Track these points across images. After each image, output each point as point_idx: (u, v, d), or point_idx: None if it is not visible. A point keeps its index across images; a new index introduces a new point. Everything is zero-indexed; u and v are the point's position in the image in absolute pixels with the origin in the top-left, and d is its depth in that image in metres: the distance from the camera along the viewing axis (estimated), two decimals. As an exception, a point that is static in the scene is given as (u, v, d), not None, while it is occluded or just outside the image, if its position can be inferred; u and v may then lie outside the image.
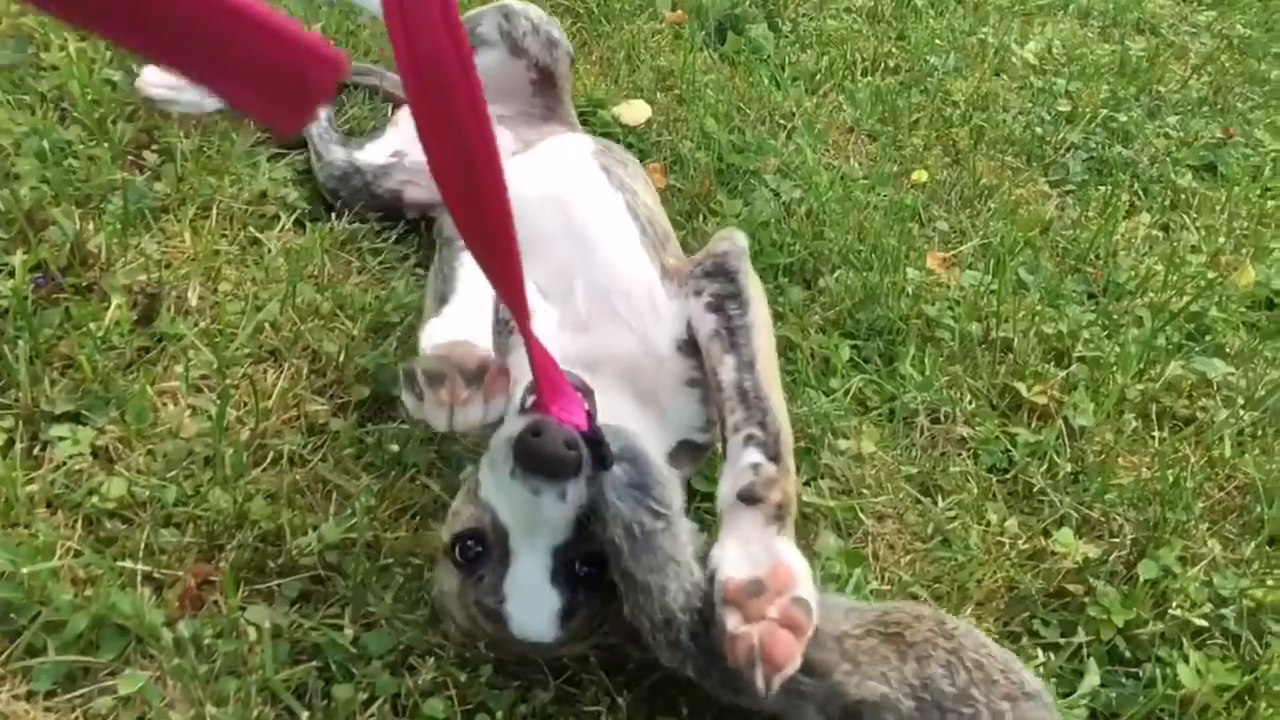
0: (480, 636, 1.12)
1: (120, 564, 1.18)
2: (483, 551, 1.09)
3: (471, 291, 1.28)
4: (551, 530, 1.07)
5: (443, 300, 1.29)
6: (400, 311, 1.53)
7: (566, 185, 1.45)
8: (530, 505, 1.06)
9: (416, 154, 1.74)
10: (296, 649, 1.15)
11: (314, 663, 1.13)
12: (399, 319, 1.53)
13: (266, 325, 1.48)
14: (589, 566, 1.09)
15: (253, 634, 1.13)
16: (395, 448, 1.33)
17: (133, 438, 1.30)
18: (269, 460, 1.33)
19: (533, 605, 1.07)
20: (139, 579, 1.18)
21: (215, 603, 1.18)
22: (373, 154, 1.75)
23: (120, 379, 1.36)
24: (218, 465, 1.28)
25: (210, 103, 1.77)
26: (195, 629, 1.12)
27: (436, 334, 1.20)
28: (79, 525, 1.22)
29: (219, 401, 1.32)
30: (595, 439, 1.06)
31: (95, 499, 1.23)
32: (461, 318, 1.24)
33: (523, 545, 1.07)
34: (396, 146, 1.76)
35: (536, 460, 1.04)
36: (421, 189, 1.69)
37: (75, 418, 1.31)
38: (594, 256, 1.33)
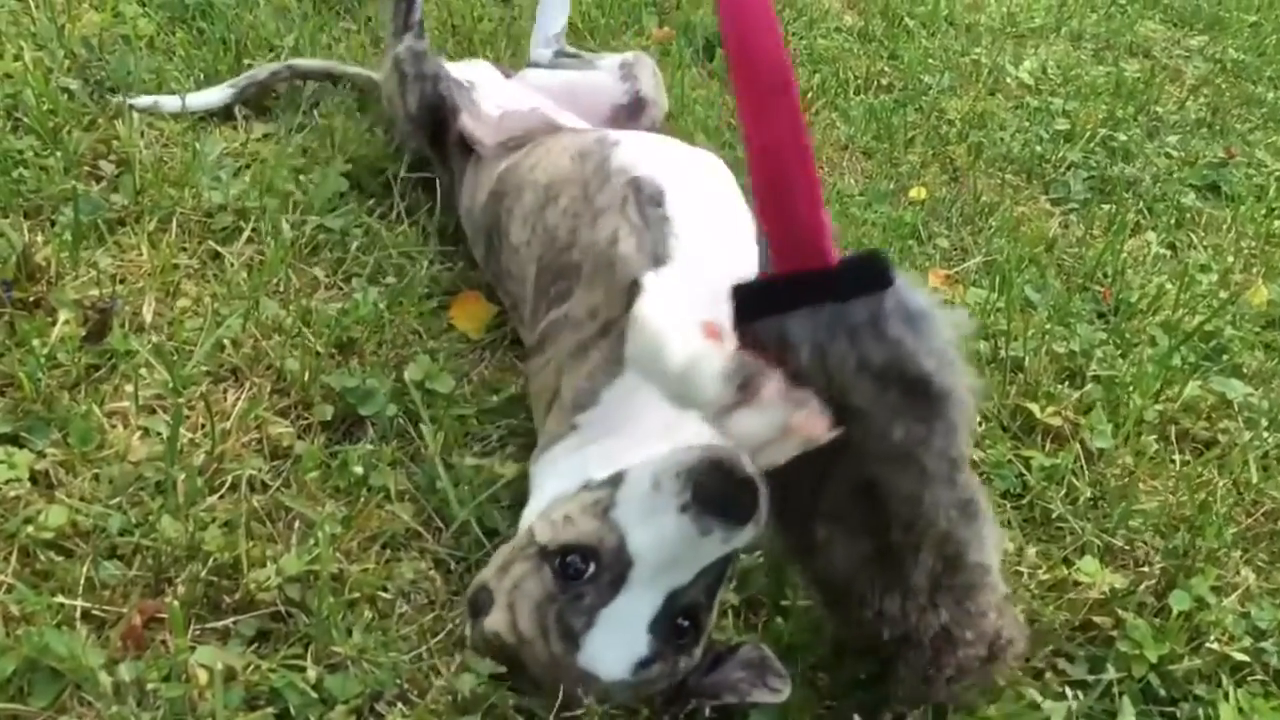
0: (524, 646, 1.03)
1: (57, 600, 1.06)
2: (592, 573, 1.01)
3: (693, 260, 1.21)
4: (684, 571, 1.00)
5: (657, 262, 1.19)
6: (364, 327, 1.43)
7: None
8: (690, 544, 0.99)
9: (487, 93, 1.75)
10: (252, 693, 1.03)
11: (271, 708, 1.01)
12: (363, 334, 1.42)
13: (226, 342, 1.37)
14: (688, 620, 1.02)
15: (203, 677, 1.01)
16: (360, 470, 1.22)
17: (76, 461, 1.19)
18: (226, 486, 1.21)
19: (618, 643, 1.00)
20: (78, 616, 1.06)
21: (163, 643, 1.06)
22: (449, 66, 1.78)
23: (65, 398, 1.25)
24: (169, 491, 1.17)
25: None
26: (138, 671, 1.00)
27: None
28: (13, 557, 1.10)
29: (172, 422, 1.21)
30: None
31: (31, 528, 1.11)
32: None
33: (643, 580, 1.00)
34: (471, 78, 1.79)
35: (719, 500, 0.97)
36: (477, 126, 1.67)
37: (13, 439, 1.20)
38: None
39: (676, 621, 1.02)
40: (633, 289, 1.08)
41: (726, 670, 1.09)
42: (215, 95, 1.85)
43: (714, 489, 0.97)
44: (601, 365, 1.19)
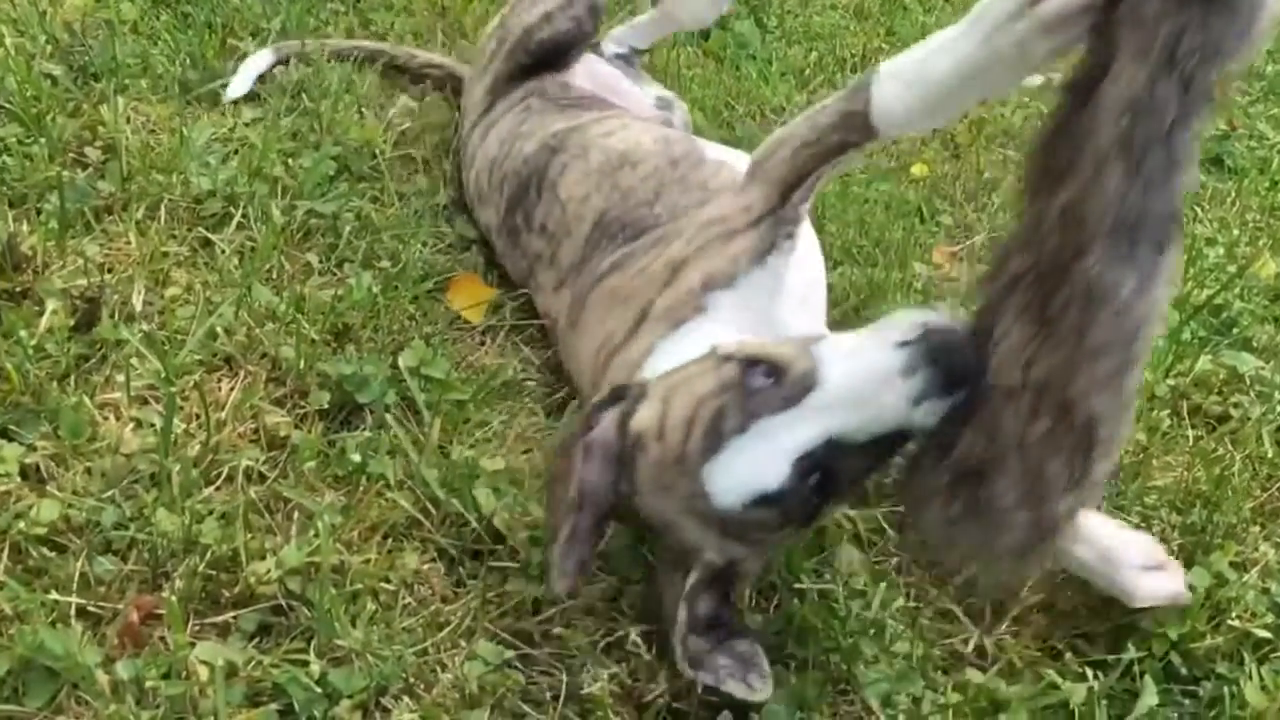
0: (658, 442, 1.03)
1: (51, 597, 1.03)
2: (772, 384, 0.99)
3: None
4: (861, 417, 0.97)
5: None
6: (359, 313, 1.39)
7: None
8: (883, 388, 0.96)
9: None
10: (254, 690, 1.00)
11: (274, 704, 0.98)
12: (358, 320, 1.39)
13: (219, 330, 1.33)
14: (824, 480, 0.99)
15: (203, 674, 0.98)
16: (358, 458, 1.19)
17: (67, 454, 1.16)
18: (222, 477, 1.18)
19: (756, 460, 0.98)
20: (73, 613, 1.03)
21: (161, 639, 1.03)
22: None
23: (55, 390, 1.21)
24: (163, 484, 1.13)
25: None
26: (136, 670, 0.97)
27: None
28: (4, 554, 1.06)
29: (165, 413, 1.17)
30: None
31: (23, 524, 1.07)
32: None
33: (817, 408, 0.97)
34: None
35: (947, 366, 0.95)
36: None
37: (2, 433, 1.16)
38: None
39: (811, 471, 0.98)
40: None
41: (716, 653, 1.07)
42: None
43: (938, 347, 0.95)
44: (746, 251, 1.20)
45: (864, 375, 0.97)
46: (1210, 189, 2.18)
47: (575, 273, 1.39)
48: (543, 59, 1.74)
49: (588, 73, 1.80)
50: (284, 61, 1.92)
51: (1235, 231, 2.03)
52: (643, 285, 1.26)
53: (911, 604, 1.23)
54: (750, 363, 1.02)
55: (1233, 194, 2.17)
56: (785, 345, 1.04)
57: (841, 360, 0.99)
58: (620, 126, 1.54)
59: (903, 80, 1.07)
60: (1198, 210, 2.09)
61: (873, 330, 1.01)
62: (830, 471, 1.00)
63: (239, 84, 1.84)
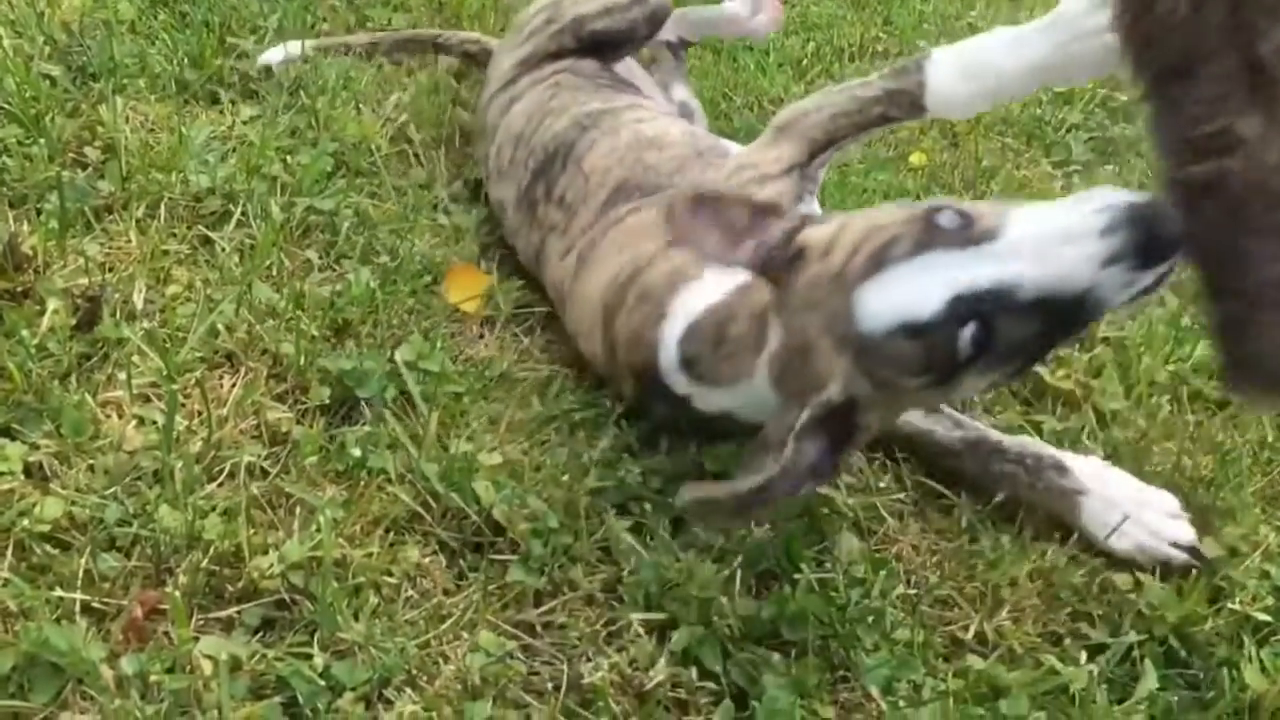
0: (823, 260, 1.04)
1: (55, 594, 1.03)
2: (953, 228, 0.98)
3: None
4: (1034, 269, 0.95)
5: None
6: (358, 308, 1.40)
7: None
8: (1076, 249, 0.93)
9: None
10: (258, 683, 1.01)
11: (278, 698, 0.99)
12: (357, 316, 1.40)
13: (220, 328, 1.34)
14: (979, 335, 0.97)
15: (207, 668, 0.99)
16: (358, 453, 1.19)
17: (70, 453, 1.16)
18: (224, 473, 1.19)
19: (915, 289, 0.97)
20: (77, 610, 1.04)
21: (165, 634, 1.04)
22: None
23: (57, 389, 1.22)
24: (166, 480, 1.14)
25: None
26: (140, 665, 0.97)
27: None
28: (9, 552, 1.07)
29: (167, 410, 1.18)
30: None
31: (27, 521, 1.08)
32: None
33: (990, 257, 0.96)
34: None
35: (1149, 234, 0.92)
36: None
37: (4, 432, 1.17)
38: None
39: (974, 330, 0.97)
40: None
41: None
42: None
43: (1143, 215, 0.92)
44: (783, 195, 1.26)
45: (1054, 228, 0.95)
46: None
47: (584, 234, 1.40)
48: (589, 49, 1.74)
49: (624, 64, 1.83)
50: (323, 51, 1.96)
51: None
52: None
53: (911, 591, 1.23)
54: (941, 208, 1.01)
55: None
56: (980, 204, 1.04)
57: (1033, 216, 0.98)
58: (651, 116, 1.57)
59: (963, 71, 1.08)
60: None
61: (1070, 199, 1.00)
62: (988, 327, 0.97)
63: (273, 54, 1.90)
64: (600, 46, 1.74)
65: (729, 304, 1.18)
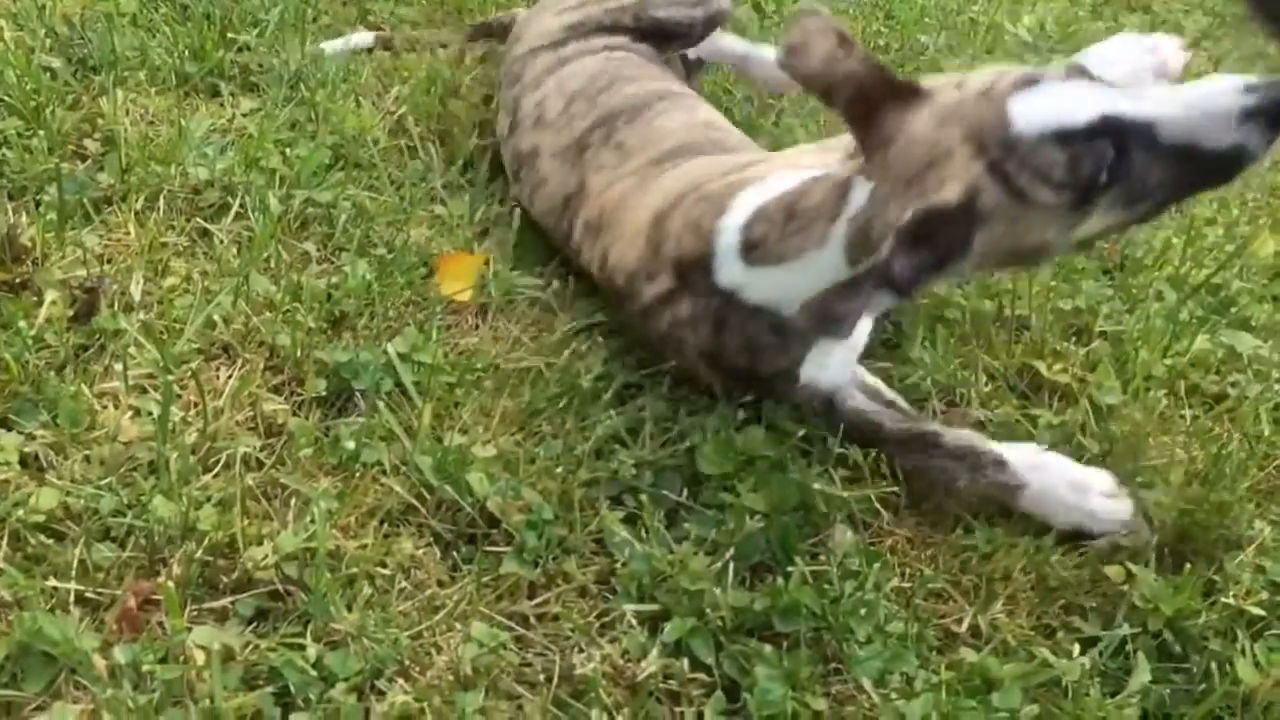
0: (950, 95, 1.12)
1: (49, 584, 1.04)
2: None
3: None
4: (1178, 111, 1.04)
5: None
6: (355, 300, 1.40)
7: None
8: (1220, 101, 1.03)
9: None
10: (251, 673, 1.02)
11: (270, 688, 1.00)
12: (354, 308, 1.40)
13: (217, 319, 1.34)
14: (1118, 161, 1.05)
15: (200, 658, 0.99)
16: (352, 445, 1.20)
17: (66, 443, 1.17)
18: (219, 464, 1.19)
19: (1072, 100, 1.05)
20: (71, 600, 1.04)
21: (159, 624, 1.04)
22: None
23: (54, 380, 1.23)
24: (161, 471, 1.15)
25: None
26: (133, 654, 0.98)
27: None
28: (3, 542, 1.08)
29: (162, 401, 1.19)
30: None
31: (22, 512, 1.09)
32: None
33: (1141, 98, 1.05)
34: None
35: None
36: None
37: (1, 422, 1.18)
38: None
39: (1114, 155, 1.05)
40: None
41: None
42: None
43: None
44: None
45: (1201, 87, 1.05)
46: (1211, 169, 2.18)
47: (636, 173, 1.45)
48: (647, 34, 1.77)
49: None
50: (387, 46, 2.03)
51: (1235, 212, 2.02)
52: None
53: (906, 583, 1.23)
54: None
55: (1234, 173, 2.16)
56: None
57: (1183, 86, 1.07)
58: (712, 109, 1.67)
59: None
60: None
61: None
62: (1127, 156, 1.05)
63: (337, 45, 1.99)
64: (656, 35, 1.78)
65: (801, 187, 1.24)
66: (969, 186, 1.07)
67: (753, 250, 1.25)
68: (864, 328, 1.19)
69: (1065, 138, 1.04)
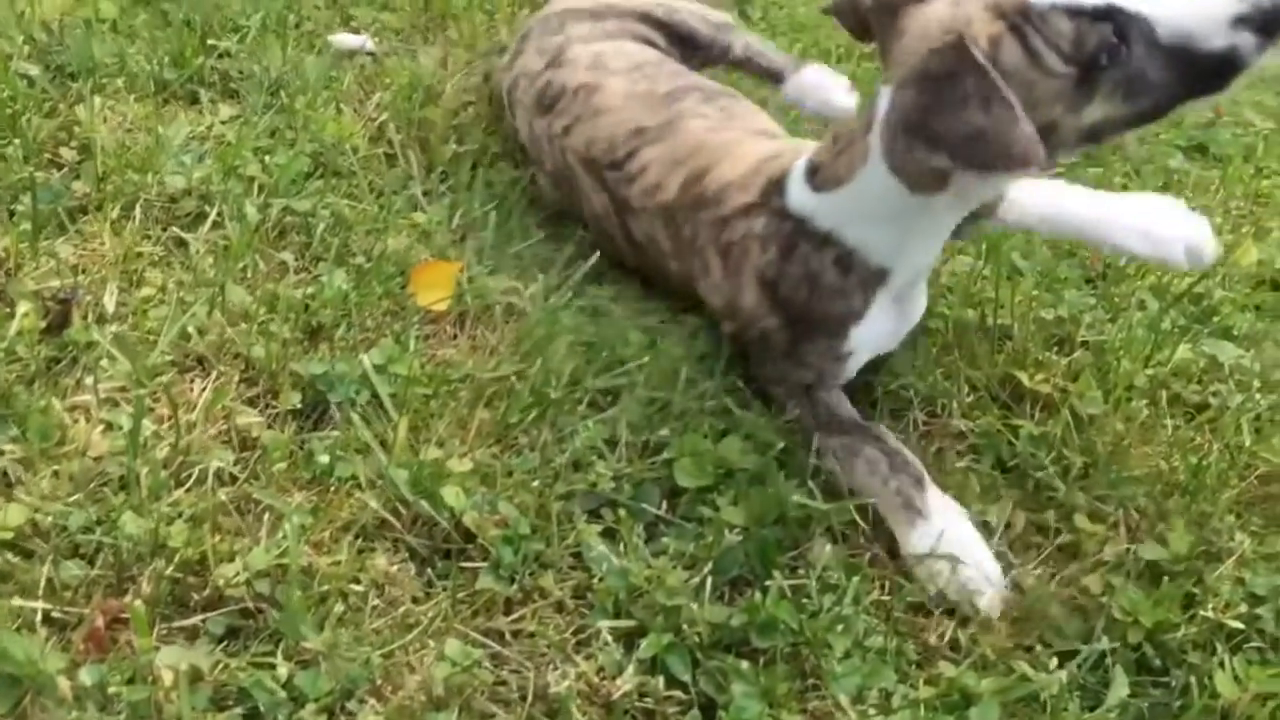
0: None
1: (16, 603, 1.03)
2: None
3: None
4: (1173, 7, 1.12)
5: None
6: (331, 310, 1.39)
7: None
8: (1214, 3, 1.11)
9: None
10: (220, 694, 1.00)
11: (239, 709, 0.99)
12: (331, 318, 1.39)
13: (192, 331, 1.33)
14: (1115, 47, 1.12)
15: (168, 678, 0.98)
16: (326, 459, 1.19)
17: (35, 458, 1.16)
18: (192, 480, 1.18)
19: None
20: (38, 619, 1.03)
21: (127, 644, 1.03)
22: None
23: (23, 393, 1.21)
24: (132, 486, 1.13)
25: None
26: (100, 675, 0.97)
27: None
28: (-30, 560, 1.07)
29: (134, 415, 1.17)
30: None
31: (-11, 529, 1.07)
32: None
33: None
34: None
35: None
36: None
37: (-31, 438, 1.16)
38: None
39: (1114, 43, 1.12)
40: None
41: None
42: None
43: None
44: None
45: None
46: (1194, 176, 2.17)
47: (748, 133, 1.57)
48: (670, 35, 1.87)
49: None
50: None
51: (1218, 219, 2.02)
52: None
53: (885, 597, 1.22)
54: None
55: (1217, 182, 2.16)
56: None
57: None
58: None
59: None
60: (1181, 200, 2.08)
61: None
62: (1128, 45, 1.12)
63: (348, 39, 2.06)
64: (681, 41, 1.87)
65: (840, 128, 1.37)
66: (992, 37, 1.14)
67: (815, 174, 1.34)
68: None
69: (1074, 13, 1.12)
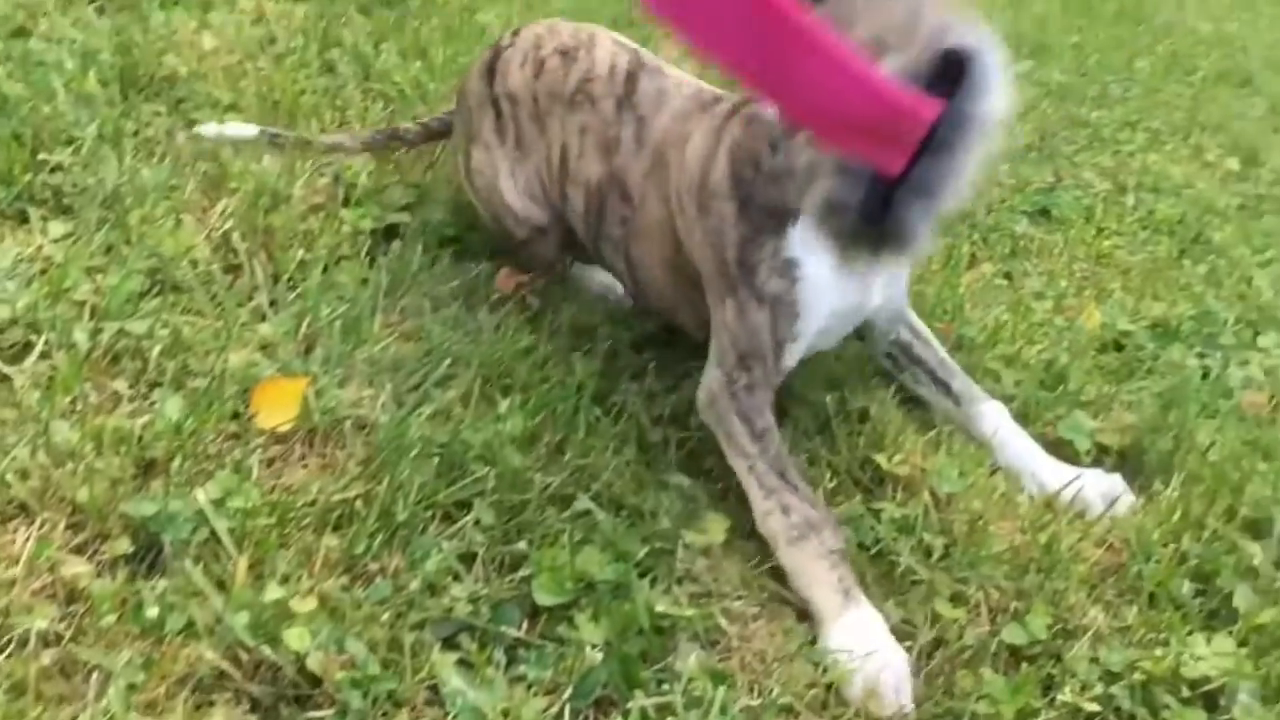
0: None
1: None
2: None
3: None
4: None
5: None
6: (167, 444, 1.32)
7: None
8: None
9: None
10: None
11: None
12: (166, 451, 1.32)
13: (11, 478, 1.25)
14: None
15: None
16: (155, 612, 1.12)
17: None
18: (13, 644, 1.10)
19: None
20: None
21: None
22: None
23: None
24: (-60, 659, 1.05)
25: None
26: None
27: None
28: None
29: (-57, 578, 1.09)
30: None
31: None
32: None
33: None
34: None
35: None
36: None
37: None
38: None
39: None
40: None
41: None
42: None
43: None
44: None
45: None
46: (1038, 241, 2.26)
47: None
48: None
49: None
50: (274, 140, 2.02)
51: (1063, 283, 2.09)
52: None
53: (754, 701, 1.20)
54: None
55: (1060, 245, 2.25)
56: None
57: None
58: None
59: None
60: (1026, 265, 2.15)
61: None
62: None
63: (212, 130, 2.02)
64: None
65: None
66: None
67: None
68: None
69: None
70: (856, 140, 1.01)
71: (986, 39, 1.07)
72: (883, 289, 1.53)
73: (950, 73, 1.05)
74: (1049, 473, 1.54)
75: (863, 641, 1.23)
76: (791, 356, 1.47)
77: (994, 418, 1.59)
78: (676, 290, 1.61)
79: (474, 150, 1.83)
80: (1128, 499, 1.51)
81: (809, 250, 1.40)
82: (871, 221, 1.09)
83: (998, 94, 1.05)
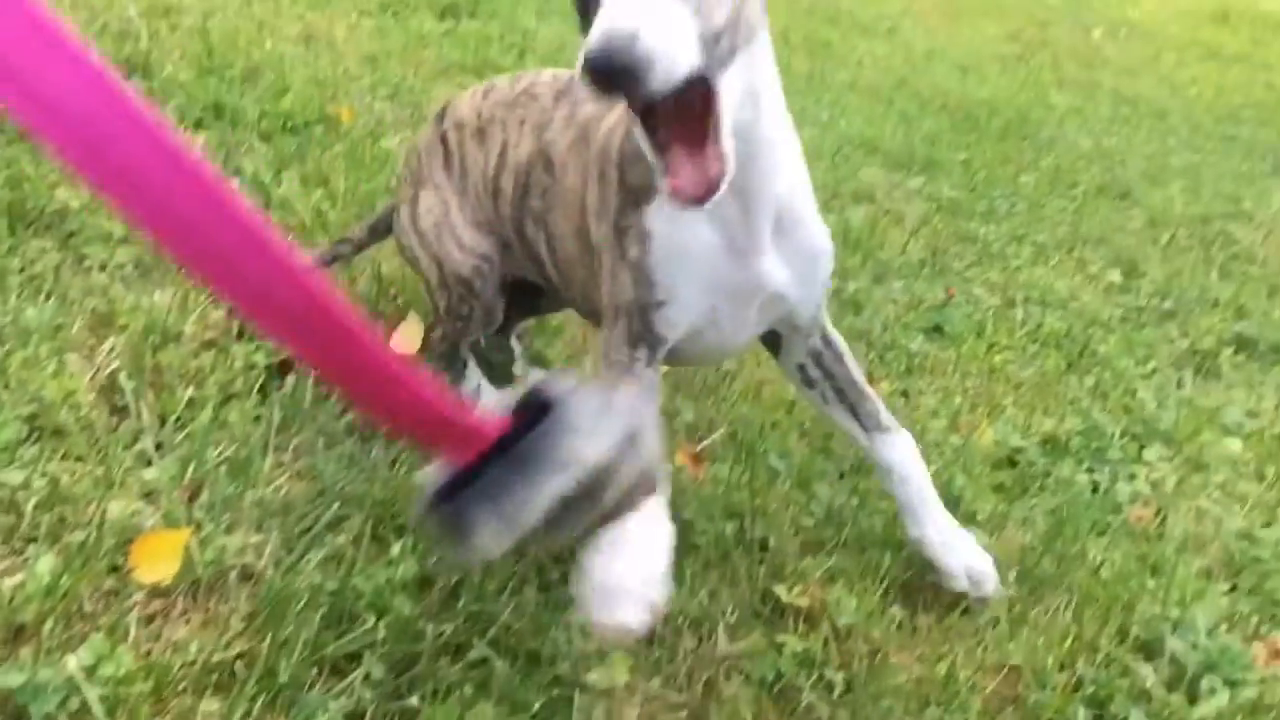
0: None
1: None
2: None
3: None
4: None
5: None
6: (38, 605, 1.26)
7: None
8: None
9: None
10: None
11: None
12: (36, 614, 1.26)
13: None
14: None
15: None
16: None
17: None
18: None
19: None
20: None
21: None
22: None
23: None
24: None
25: None
26: None
27: None
28: None
29: None
30: None
31: None
32: None
33: None
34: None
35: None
36: None
37: None
38: None
39: None
40: None
41: None
42: None
43: None
44: None
45: None
46: (932, 358, 2.31)
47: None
48: None
49: None
50: None
51: (957, 400, 2.15)
52: None
53: None
54: None
55: (953, 361, 2.31)
56: None
57: None
58: None
59: None
60: (921, 382, 2.20)
61: None
62: None
63: None
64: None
65: None
66: None
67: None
68: None
69: None
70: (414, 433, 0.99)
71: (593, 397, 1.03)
72: (790, 279, 1.48)
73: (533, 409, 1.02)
74: (932, 525, 1.58)
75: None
76: (667, 326, 1.48)
77: (900, 449, 1.60)
78: (584, 263, 1.65)
79: (422, 195, 1.87)
80: (990, 585, 1.56)
81: (662, 224, 1.45)
82: (438, 506, 1.05)
83: (583, 442, 1.02)
